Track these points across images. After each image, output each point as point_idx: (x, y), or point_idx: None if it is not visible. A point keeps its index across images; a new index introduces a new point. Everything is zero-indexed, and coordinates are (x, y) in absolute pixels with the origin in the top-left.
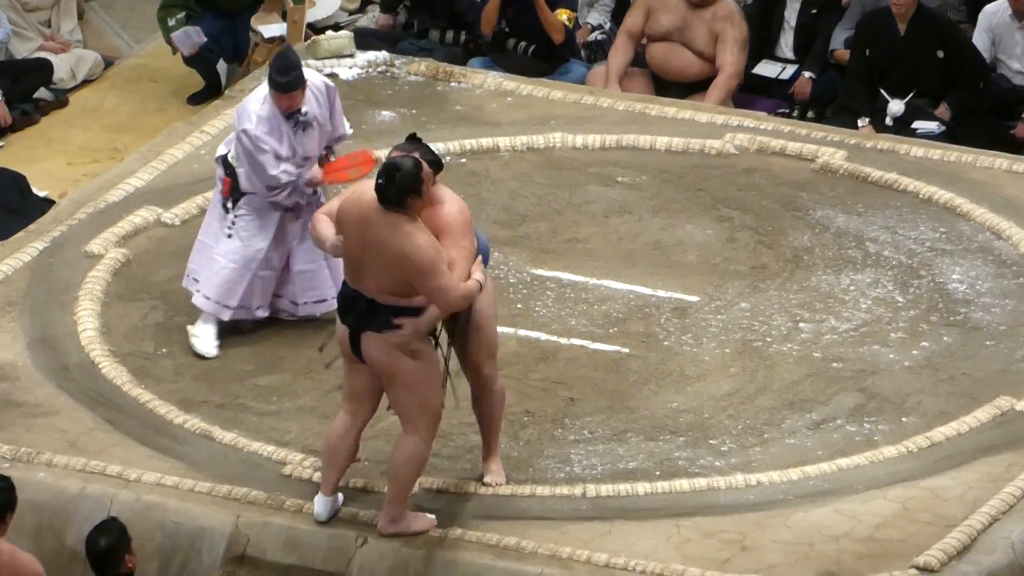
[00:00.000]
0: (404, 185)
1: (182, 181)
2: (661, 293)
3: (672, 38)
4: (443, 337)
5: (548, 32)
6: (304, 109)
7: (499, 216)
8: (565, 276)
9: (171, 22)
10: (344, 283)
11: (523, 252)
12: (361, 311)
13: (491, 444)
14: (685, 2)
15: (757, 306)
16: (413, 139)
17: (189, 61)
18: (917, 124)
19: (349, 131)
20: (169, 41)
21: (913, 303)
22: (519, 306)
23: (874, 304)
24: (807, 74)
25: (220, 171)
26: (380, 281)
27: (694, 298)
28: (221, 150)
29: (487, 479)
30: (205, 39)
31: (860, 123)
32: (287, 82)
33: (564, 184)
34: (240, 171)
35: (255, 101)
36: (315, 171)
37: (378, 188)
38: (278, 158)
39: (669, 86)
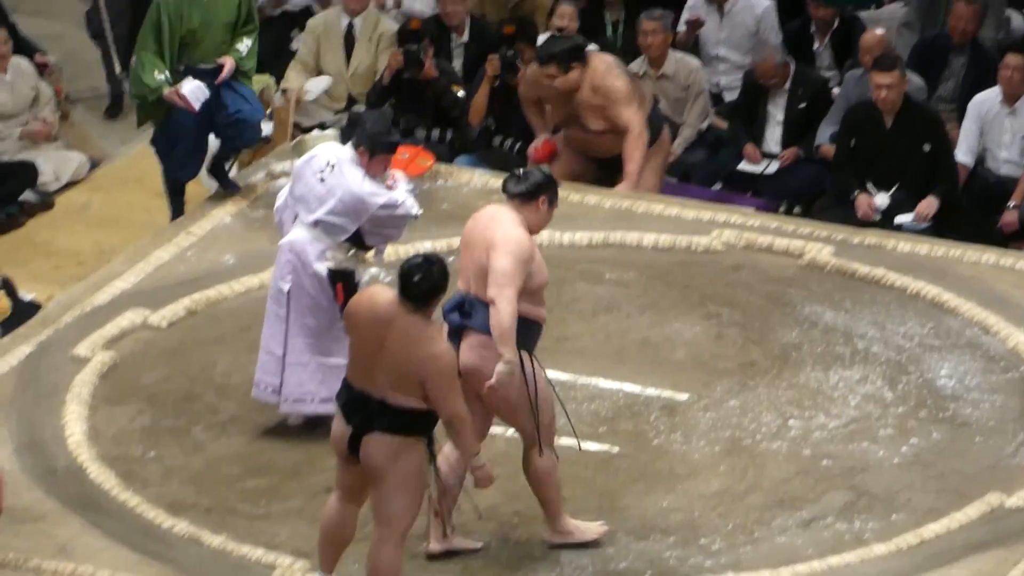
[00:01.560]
0: (437, 284)
1: (169, 283)
2: (650, 391)
3: (573, 124)
4: None
5: (532, 129)
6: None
7: None
8: (554, 375)
9: (157, 77)
10: (347, 384)
11: None
12: (371, 412)
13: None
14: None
15: (746, 403)
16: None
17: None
18: (902, 219)
19: None
20: (144, 101)
21: (902, 399)
22: None
23: (863, 400)
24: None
25: (323, 289)
26: (394, 382)
27: (683, 396)
28: (322, 268)
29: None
30: (208, 94)
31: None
32: (395, 141)
33: (552, 282)
34: (383, 249)
35: (357, 181)
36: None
37: (412, 285)
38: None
39: (603, 164)
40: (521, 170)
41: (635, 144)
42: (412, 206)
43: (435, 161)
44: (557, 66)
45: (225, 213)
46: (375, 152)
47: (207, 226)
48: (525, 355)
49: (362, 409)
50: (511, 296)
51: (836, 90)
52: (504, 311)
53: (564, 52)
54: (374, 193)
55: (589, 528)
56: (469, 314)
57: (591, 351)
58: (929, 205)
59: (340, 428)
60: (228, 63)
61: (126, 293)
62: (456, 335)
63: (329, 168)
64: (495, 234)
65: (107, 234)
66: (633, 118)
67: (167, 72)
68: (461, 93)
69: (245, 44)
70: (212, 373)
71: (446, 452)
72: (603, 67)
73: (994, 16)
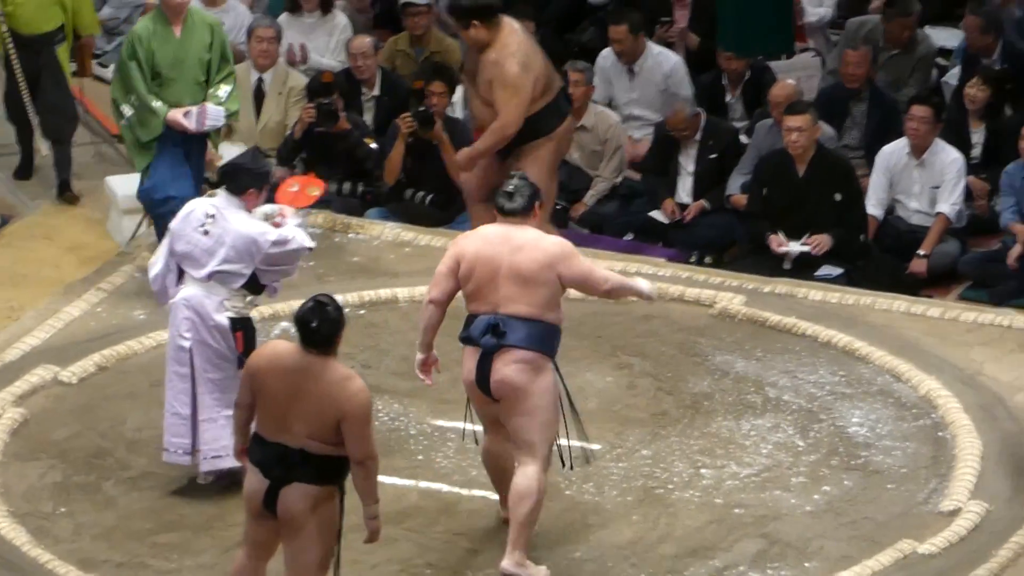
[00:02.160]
0: (336, 323)
1: (79, 339)
2: (562, 441)
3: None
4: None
5: (453, 177)
6: None
7: (398, 367)
8: (467, 426)
9: (156, 105)
10: (259, 439)
11: (423, 403)
12: (291, 463)
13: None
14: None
15: (658, 453)
16: None
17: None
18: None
19: None
20: (142, 140)
21: (814, 447)
22: (420, 458)
23: (775, 449)
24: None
25: (226, 340)
26: (313, 429)
27: (596, 446)
28: (222, 318)
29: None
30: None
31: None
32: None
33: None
34: (275, 286)
35: (244, 223)
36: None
37: (312, 332)
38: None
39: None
40: (508, 186)
41: (493, 131)
42: (304, 239)
43: (325, 189)
44: (458, 19)
45: (135, 269)
46: (263, 186)
47: (117, 282)
48: (552, 364)
49: (281, 461)
50: (609, 274)
51: (746, 139)
52: (617, 279)
53: (466, 8)
54: (264, 232)
55: (538, 571)
56: (504, 333)
57: None
58: (822, 241)
59: (255, 483)
60: (221, 112)
61: (36, 349)
62: (486, 357)
63: (211, 219)
64: (542, 247)
65: (16, 291)
66: (505, 108)
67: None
68: (374, 145)
69: (224, 89)
70: (123, 428)
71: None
72: (512, 45)
73: (921, 72)
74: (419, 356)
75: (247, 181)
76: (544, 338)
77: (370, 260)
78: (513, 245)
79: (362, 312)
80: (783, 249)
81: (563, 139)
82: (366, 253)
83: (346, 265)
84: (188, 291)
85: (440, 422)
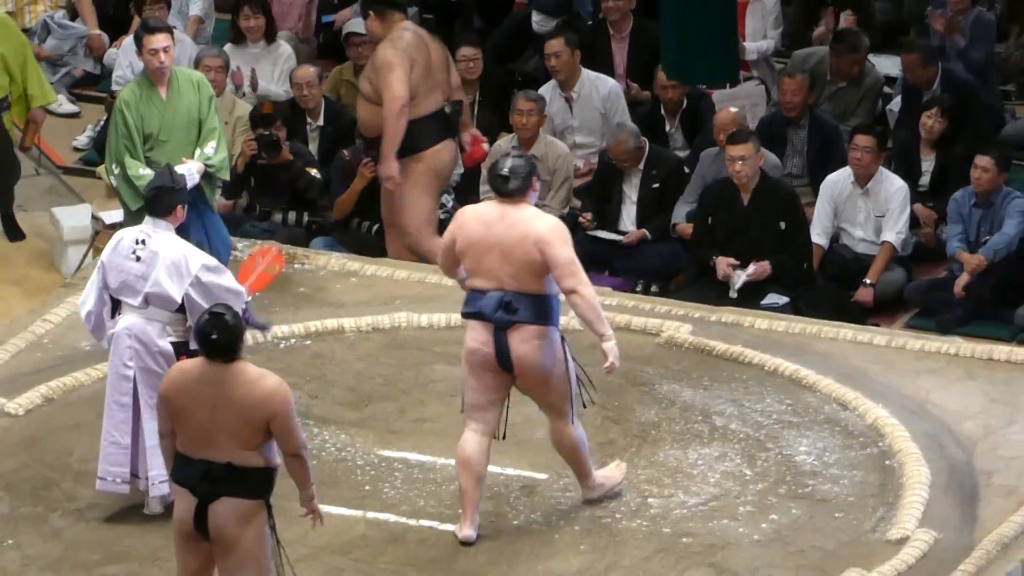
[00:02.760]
0: (237, 330)
1: (25, 370)
2: (510, 471)
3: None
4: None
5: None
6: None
7: (345, 398)
8: (413, 456)
9: (141, 172)
10: (183, 458)
11: (370, 433)
12: (218, 477)
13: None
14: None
15: None
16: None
17: None
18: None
19: None
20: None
21: (761, 476)
22: (367, 488)
23: (722, 478)
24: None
25: (168, 363)
26: (239, 438)
27: (542, 476)
28: (166, 344)
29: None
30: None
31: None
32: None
33: (410, 364)
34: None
35: (172, 243)
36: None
37: (215, 343)
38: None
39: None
40: (503, 167)
41: (385, 117)
42: (241, 291)
43: (283, 264)
44: (362, 9)
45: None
46: (185, 200)
47: (63, 313)
48: (558, 332)
49: (207, 476)
50: (586, 279)
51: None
52: (590, 294)
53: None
54: (193, 251)
55: (613, 474)
56: (516, 310)
57: (450, 432)
58: (762, 268)
59: (184, 505)
60: (195, 167)
61: None
62: (500, 332)
63: (141, 244)
64: (534, 228)
65: None
66: (386, 86)
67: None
68: (316, 174)
69: (211, 146)
70: (69, 460)
71: (469, 443)
72: (397, 40)
73: (868, 102)
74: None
75: (170, 200)
76: (549, 312)
77: (316, 290)
78: (507, 223)
79: (308, 343)
80: (730, 272)
81: (439, 163)
82: (312, 283)
83: (292, 296)
84: (127, 320)
85: (387, 452)
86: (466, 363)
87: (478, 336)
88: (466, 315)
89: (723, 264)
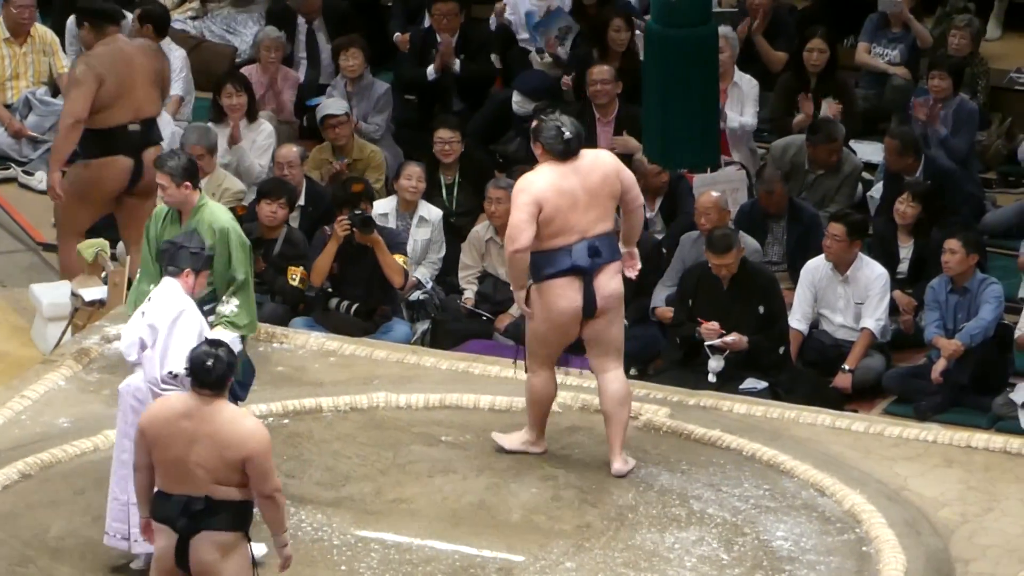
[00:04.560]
0: (229, 364)
1: (2, 446)
2: (486, 553)
3: None
4: None
5: (388, 275)
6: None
7: (322, 477)
8: (389, 537)
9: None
10: (160, 496)
11: (347, 513)
12: (197, 511)
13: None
14: None
15: (582, 565)
16: None
17: None
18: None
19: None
20: None
21: (738, 561)
22: (343, 568)
23: (699, 562)
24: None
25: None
26: (217, 474)
27: (519, 558)
28: (167, 370)
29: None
30: None
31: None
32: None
33: (388, 444)
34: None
35: (169, 302)
36: None
37: (206, 372)
38: None
39: None
40: (570, 131)
41: (59, 128)
42: (235, 341)
43: None
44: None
45: (59, 377)
46: (196, 268)
47: (41, 389)
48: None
49: (186, 511)
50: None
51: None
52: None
53: (79, 9)
54: (186, 311)
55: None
56: (601, 252)
57: (427, 513)
58: (738, 340)
59: (164, 542)
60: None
61: None
62: (588, 278)
63: (148, 301)
64: (606, 161)
65: None
66: (66, 100)
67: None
68: (297, 281)
69: (232, 305)
70: (46, 537)
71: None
72: (97, 53)
73: (848, 188)
74: (521, 294)
75: (181, 261)
76: (617, 246)
77: (294, 370)
78: (581, 173)
79: (286, 422)
80: (717, 340)
81: (104, 175)
82: (290, 363)
83: (270, 374)
84: (131, 378)
85: (364, 532)
86: (553, 323)
87: (567, 292)
88: (554, 275)
89: (708, 328)
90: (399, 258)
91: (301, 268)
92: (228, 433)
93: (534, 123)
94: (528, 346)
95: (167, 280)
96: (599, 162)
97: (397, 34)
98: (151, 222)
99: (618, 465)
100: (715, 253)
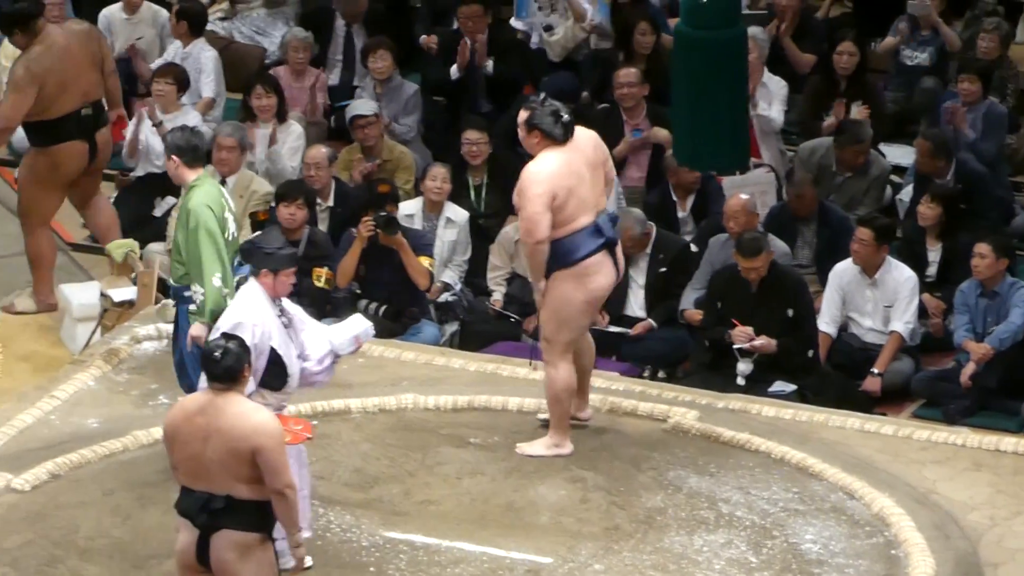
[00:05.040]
0: (240, 356)
1: (32, 446)
2: (514, 555)
3: None
4: None
5: (413, 278)
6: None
7: (351, 479)
8: (418, 539)
9: None
10: (184, 490)
11: (375, 515)
12: (217, 509)
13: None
14: None
15: (610, 568)
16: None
17: None
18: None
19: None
20: None
21: (767, 564)
22: (371, 569)
23: (727, 565)
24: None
25: None
26: (232, 470)
27: (547, 560)
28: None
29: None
30: None
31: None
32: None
33: (416, 446)
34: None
35: (235, 305)
36: None
37: (215, 363)
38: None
39: None
40: (565, 115)
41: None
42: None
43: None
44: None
45: (89, 377)
46: (275, 268)
47: (71, 390)
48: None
49: (205, 508)
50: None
51: (694, 246)
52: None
53: (6, 17)
54: (252, 315)
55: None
56: (616, 219)
57: (455, 515)
58: (767, 342)
59: (186, 536)
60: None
61: None
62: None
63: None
64: (589, 136)
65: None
66: (4, 105)
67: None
68: (322, 283)
69: (198, 294)
70: (75, 537)
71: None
72: (34, 53)
73: (875, 191)
74: (542, 285)
75: (257, 262)
76: None
77: None
78: (579, 149)
79: (315, 423)
80: (748, 333)
81: (64, 159)
82: None
83: None
84: None
85: (392, 534)
86: (591, 303)
87: (604, 267)
88: (590, 254)
89: (740, 332)
90: (425, 260)
91: (326, 269)
92: (238, 425)
93: (526, 113)
94: (552, 337)
95: (250, 282)
96: (585, 135)
97: (423, 36)
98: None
99: (589, 412)
100: (744, 256)
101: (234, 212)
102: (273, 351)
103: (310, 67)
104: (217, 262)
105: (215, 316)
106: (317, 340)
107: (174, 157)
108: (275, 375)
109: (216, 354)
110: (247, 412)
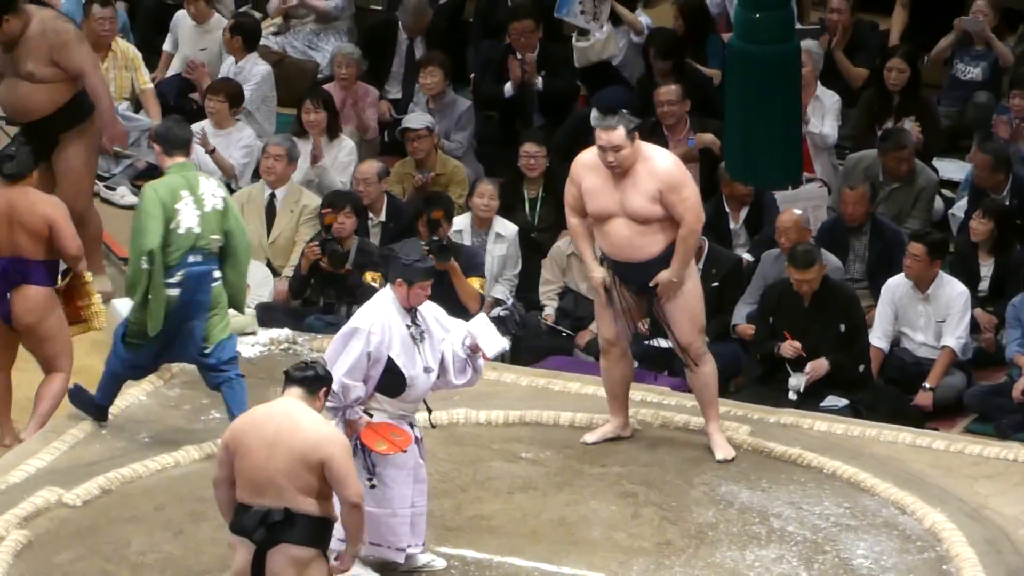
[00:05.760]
0: (326, 371)
1: (84, 461)
2: (566, 570)
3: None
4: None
5: (463, 301)
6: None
7: None
8: (469, 554)
9: None
10: (241, 508)
11: (427, 530)
12: (275, 523)
13: (708, 414)
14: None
15: None
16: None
17: None
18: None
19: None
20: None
21: None
22: None
23: None
24: None
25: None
26: (295, 481)
27: (599, 575)
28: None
29: (717, 456)
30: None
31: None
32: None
33: (468, 460)
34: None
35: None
36: (363, 418)
37: (304, 366)
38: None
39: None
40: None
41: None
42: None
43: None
44: None
45: (140, 392)
46: (410, 279)
47: (122, 404)
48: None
49: (264, 522)
50: None
51: (749, 255)
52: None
53: None
54: (376, 322)
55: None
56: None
57: (507, 530)
58: (819, 365)
59: (243, 553)
60: None
61: (41, 471)
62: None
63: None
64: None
65: (23, 414)
66: (86, 61)
67: None
68: (376, 284)
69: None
70: (126, 552)
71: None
72: (52, 13)
73: (924, 203)
74: (597, 277)
75: (394, 271)
76: None
77: None
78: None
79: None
80: (798, 349)
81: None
82: None
83: None
84: None
85: (444, 549)
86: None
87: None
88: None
89: (789, 346)
90: (475, 281)
91: (379, 273)
92: (307, 434)
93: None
94: (697, 335)
95: (386, 288)
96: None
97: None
98: None
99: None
100: (797, 268)
101: (204, 209)
102: (390, 360)
103: (361, 83)
104: (143, 240)
105: (129, 290)
106: (456, 347)
107: (155, 145)
108: (391, 383)
109: (307, 361)
110: (316, 422)
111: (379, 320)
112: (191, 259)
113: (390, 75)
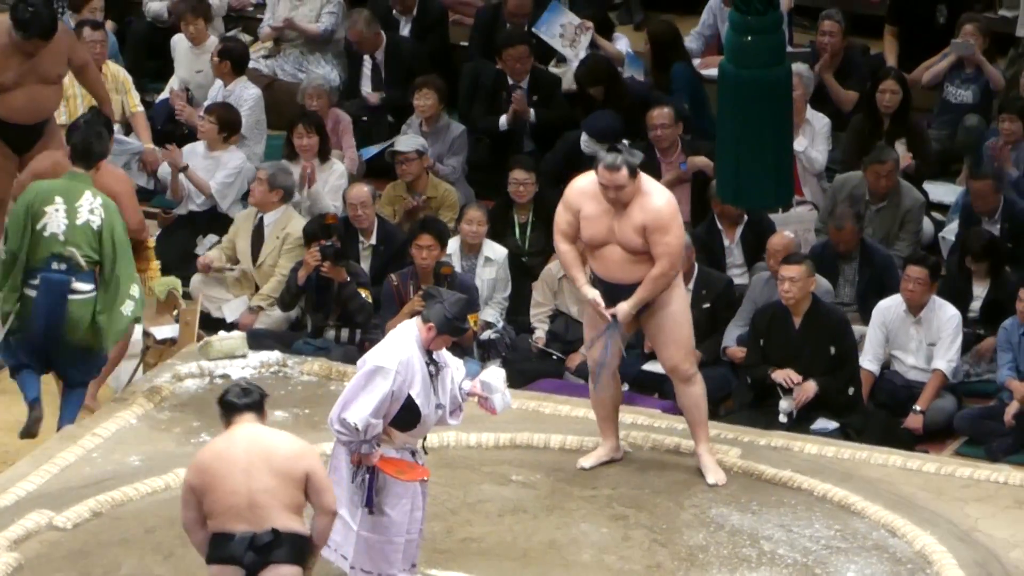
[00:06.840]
0: (261, 390)
1: (74, 484)
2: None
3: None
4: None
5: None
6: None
7: None
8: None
9: None
10: (221, 539)
11: (420, 553)
12: (263, 545)
13: (698, 435)
14: None
15: None
16: None
17: None
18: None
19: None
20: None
21: None
22: None
23: None
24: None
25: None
26: (278, 496)
27: None
28: (345, 415)
29: (708, 480)
30: None
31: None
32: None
33: (458, 483)
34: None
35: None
36: (376, 452)
37: (245, 392)
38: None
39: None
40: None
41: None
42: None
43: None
44: None
45: (131, 415)
46: (441, 331)
47: (112, 427)
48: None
49: (252, 546)
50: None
51: (744, 278)
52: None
53: None
54: (402, 362)
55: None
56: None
57: (497, 552)
58: (807, 388)
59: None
60: None
61: (31, 494)
62: None
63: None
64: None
65: (11, 437)
66: (86, 51)
67: None
68: (368, 297)
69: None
70: (117, 575)
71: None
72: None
73: (911, 225)
74: (591, 296)
75: (432, 314)
76: None
77: None
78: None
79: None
80: (792, 377)
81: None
82: None
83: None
84: None
85: (434, 571)
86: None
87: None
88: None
89: (782, 374)
90: (471, 318)
91: (367, 289)
92: (284, 447)
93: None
94: (688, 357)
95: (410, 322)
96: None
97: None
98: None
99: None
100: (787, 263)
101: (74, 221)
102: (409, 398)
103: (334, 110)
104: (7, 238)
105: None
106: (457, 391)
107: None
108: (406, 419)
109: (243, 384)
110: (287, 438)
111: (404, 359)
112: (55, 265)
113: (359, 97)
